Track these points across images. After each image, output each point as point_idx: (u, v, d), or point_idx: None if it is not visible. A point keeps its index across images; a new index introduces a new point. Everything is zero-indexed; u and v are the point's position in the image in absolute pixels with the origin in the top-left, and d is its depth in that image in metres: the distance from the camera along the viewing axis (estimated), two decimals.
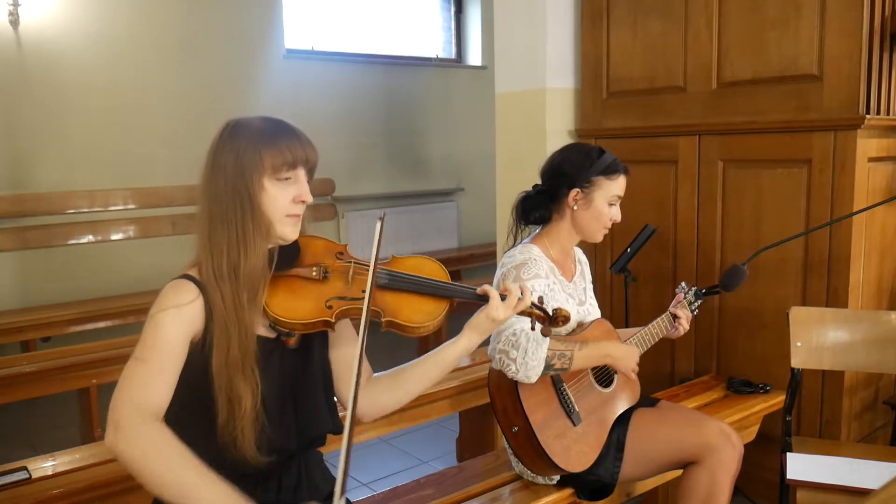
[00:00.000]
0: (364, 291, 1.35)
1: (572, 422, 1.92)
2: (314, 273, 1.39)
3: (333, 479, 1.55)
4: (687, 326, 2.22)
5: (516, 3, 3.38)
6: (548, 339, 1.79)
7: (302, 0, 5.68)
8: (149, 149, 4.76)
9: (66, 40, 4.53)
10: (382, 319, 1.40)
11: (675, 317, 2.20)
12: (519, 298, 1.48)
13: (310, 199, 1.39)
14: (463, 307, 1.53)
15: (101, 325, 4.25)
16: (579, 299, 2.12)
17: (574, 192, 2.01)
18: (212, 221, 1.35)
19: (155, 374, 1.29)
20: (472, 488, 2.02)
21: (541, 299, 1.55)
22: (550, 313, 1.54)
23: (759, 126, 2.74)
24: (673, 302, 2.25)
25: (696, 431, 1.97)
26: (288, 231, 1.39)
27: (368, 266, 1.37)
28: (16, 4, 4.30)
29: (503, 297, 1.47)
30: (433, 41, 6.54)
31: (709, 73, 2.87)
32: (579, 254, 2.23)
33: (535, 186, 2.11)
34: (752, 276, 2.53)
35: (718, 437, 1.96)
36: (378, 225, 1.33)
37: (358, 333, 1.38)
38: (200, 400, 1.34)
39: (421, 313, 1.42)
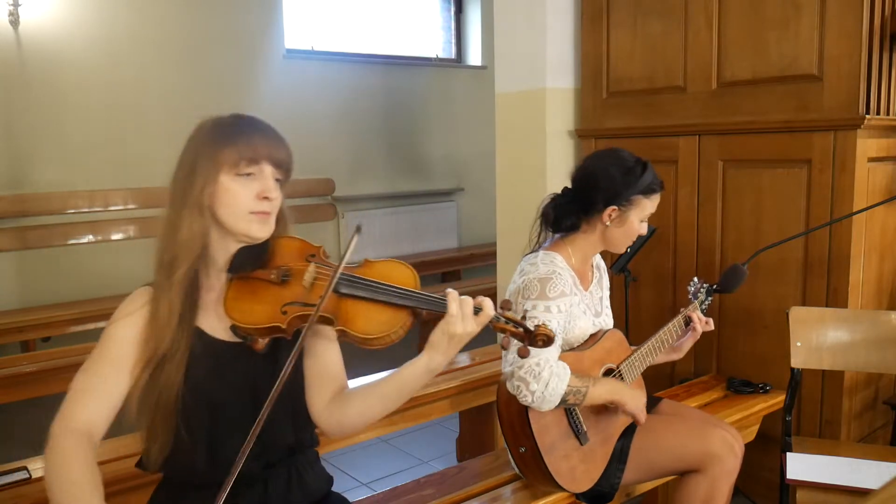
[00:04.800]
0: (322, 298, 1.28)
1: (580, 442, 1.90)
2: (272, 276, 1.33)
3: (330, 478, 1.54)
4: (701, 329, 2.13)
5: (516, 3, 3.38)
6: (569, 374, 1.77)
7: (302, 0, 5.68)
8: (149, 149, 4.76)
9: (66, 40, 4.53)
10: (335, 328, 1.30)
11: (688, 320, 2.15)
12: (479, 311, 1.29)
13: (274, 195, 1.31)
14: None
15: (101, 325, 4.16)
16: (595, 310, 2.06)
17: (610, 209, 1.94)
18: (167, 223, 1.32)
19: (92, 386, 1.30)
20: (472, 488, 2.02)
21: (524, 316, 1.35)
22: (531, 329, 1.31)
23: (759, 126, 2.74)
24: (689, 307, 2.20)
25: (700, 441, 1.95)
26: (254, 229, 1.31)
27: (332, 270, 1.30)
28: (16, 4, 4.30)
29: (476, 310, 1.29)
30: (433, 41, 6.54)
31: (709, 73, 2.87)
32: (597, 259, 2.16)
33: (565, 191, 2.02)
34: (752, 276, 2.53)
35: (722, 447, 1.94)
36: (353, 236, 1.27)
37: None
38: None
39: (375, 323, 1.29)
